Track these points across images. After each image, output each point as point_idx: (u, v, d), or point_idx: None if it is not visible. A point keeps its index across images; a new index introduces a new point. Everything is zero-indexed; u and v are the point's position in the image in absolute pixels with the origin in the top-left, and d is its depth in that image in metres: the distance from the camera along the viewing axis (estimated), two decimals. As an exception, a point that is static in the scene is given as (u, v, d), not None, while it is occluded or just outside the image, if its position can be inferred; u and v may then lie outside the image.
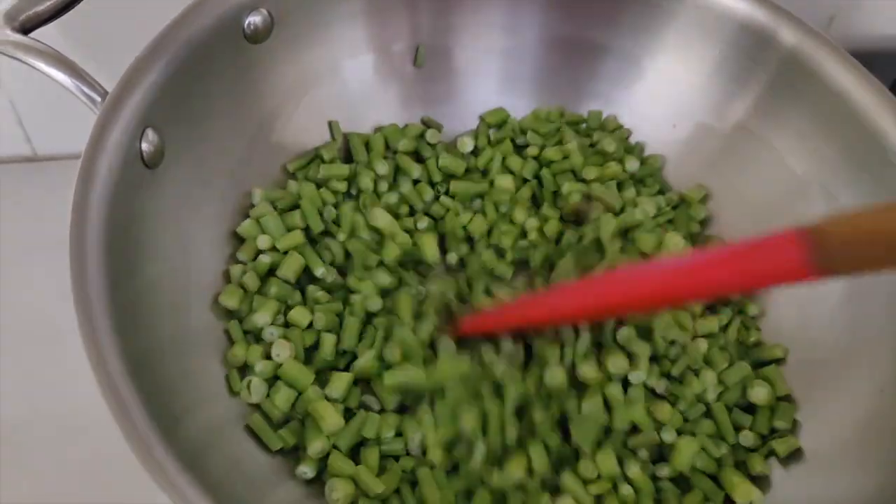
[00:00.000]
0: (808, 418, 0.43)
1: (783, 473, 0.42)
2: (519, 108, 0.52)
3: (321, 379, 0.41)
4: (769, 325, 0.46)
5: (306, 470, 0.39)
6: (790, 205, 0.46)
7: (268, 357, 0.41)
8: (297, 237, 0.44)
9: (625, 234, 0.47)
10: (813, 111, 0.45)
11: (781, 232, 0.32)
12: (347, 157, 0.49)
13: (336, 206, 0.46)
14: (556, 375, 0.40)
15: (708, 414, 0.43)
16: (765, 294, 0.47)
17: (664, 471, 0.41)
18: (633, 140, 0.51)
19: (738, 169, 0.48)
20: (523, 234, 0.47)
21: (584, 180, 0.49)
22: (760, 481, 0.41)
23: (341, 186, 0.47)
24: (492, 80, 0.50)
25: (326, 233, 0.45)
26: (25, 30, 0.39)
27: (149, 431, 0.31)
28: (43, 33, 0.39)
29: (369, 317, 0.43)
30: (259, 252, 0.44)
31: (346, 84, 0.48)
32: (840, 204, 0.44)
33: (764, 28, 0.45)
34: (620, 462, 0.40)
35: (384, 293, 0.44)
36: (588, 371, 0.41)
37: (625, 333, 0.42)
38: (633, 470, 0.40)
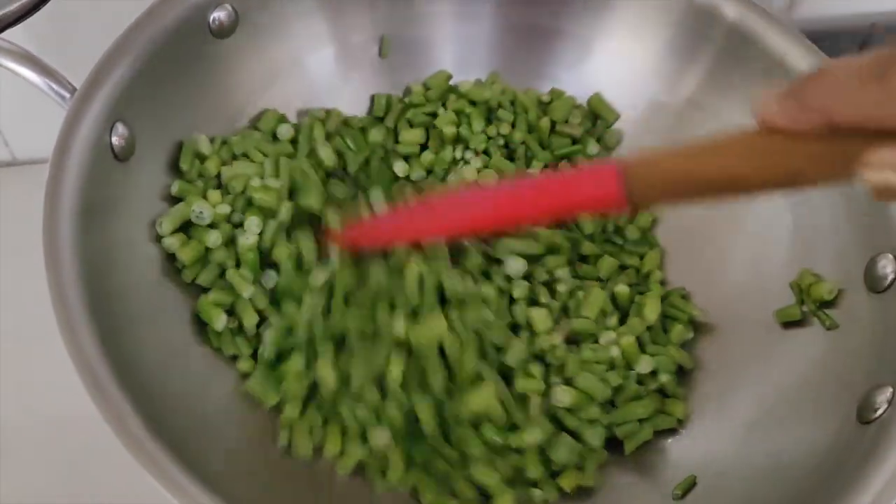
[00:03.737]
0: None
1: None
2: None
3: None
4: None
5: None
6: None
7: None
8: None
9: None
10: (759, 83, 0.46)
11: (602, 164, 0.36)
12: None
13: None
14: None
15: None
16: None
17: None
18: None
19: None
20: None
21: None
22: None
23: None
24: (448, 67, 0.51)
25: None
26: (-7, 32, 0.40)
27: (134, 419, 0.33)
28: (11, 34, 0.40)
29: None
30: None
31: (309, 76, 0.49)
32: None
33: (708, 3, 0.47)
34: None
35: None
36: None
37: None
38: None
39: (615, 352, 0.44)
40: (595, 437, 0.42)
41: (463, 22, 0.51)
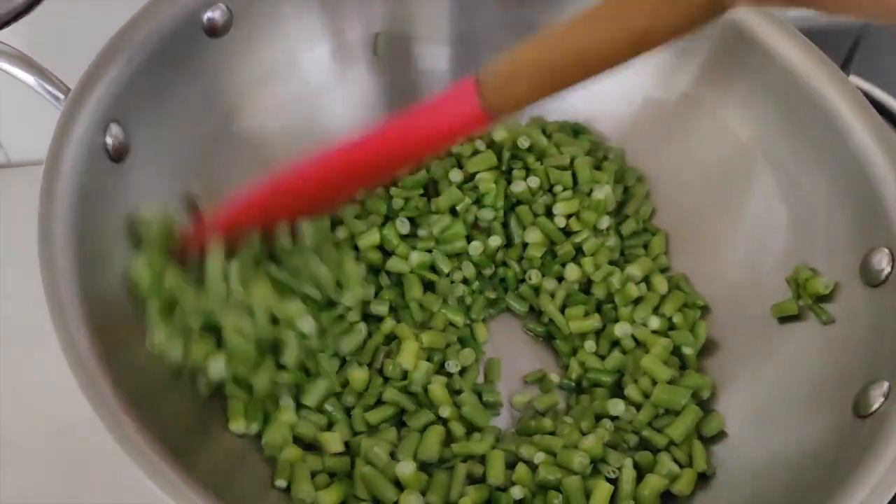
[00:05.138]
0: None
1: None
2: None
3: None
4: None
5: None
6: (736, 170, 0.47)
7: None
8: None
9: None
10: (754, 79, 0.46)
11: (458, 83, 0.35)
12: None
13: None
14: None
15: None
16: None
17: None
18: (586, 118, 0.53)
19: (686, 137, 0.50)
20: None
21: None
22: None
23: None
24: (445, 66, 0.52)
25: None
26: (-14, 33, 0.40)
27: (124, 415, 0.32)
28: (4, 35, 0.40)
29: None
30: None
31: (305, 75, 0.49)
32: (784, 169, 0.45)
33: (705, 0, 0.47)
34: None
35: None
36: None
37: None
38: None
39: (655, 323, 0.46)
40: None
41: (459, 20, 0.51)
